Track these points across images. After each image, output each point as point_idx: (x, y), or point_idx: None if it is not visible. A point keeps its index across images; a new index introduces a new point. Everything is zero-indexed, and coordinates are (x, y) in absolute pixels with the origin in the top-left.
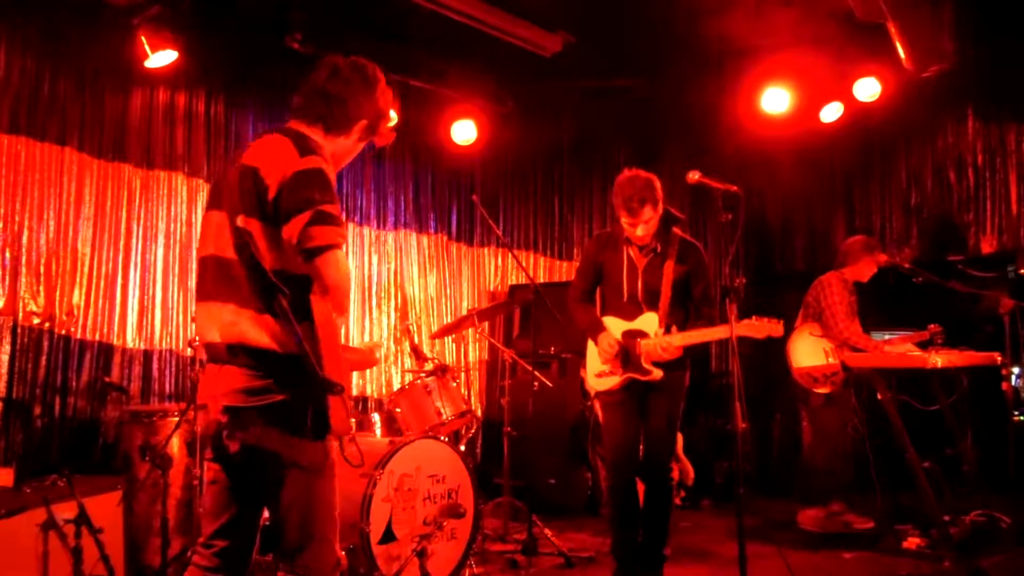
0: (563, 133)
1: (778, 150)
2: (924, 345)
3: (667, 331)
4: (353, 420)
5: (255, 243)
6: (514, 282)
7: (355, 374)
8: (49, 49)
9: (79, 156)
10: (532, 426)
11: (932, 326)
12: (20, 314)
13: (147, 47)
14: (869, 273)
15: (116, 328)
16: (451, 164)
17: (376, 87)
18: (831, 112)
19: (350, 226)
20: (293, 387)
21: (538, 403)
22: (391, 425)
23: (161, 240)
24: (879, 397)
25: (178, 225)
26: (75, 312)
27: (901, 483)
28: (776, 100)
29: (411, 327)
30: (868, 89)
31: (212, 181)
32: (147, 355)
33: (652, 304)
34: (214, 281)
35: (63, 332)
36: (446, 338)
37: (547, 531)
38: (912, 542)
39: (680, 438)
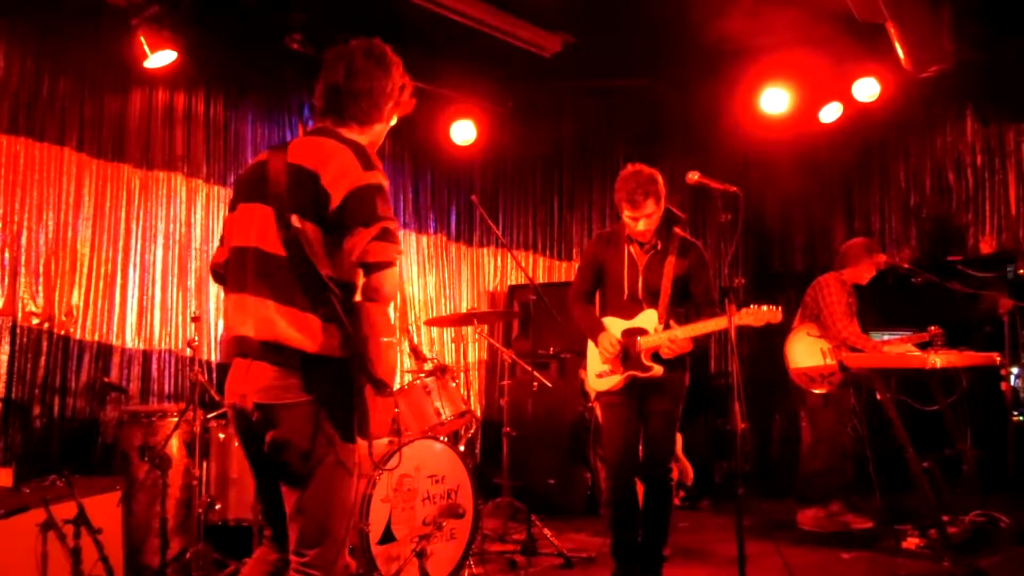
0: (563, 133)
1: (777, 150)
2: (924, 347)
3: (667, 328)
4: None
5: (311, 245)
6: (513, 282)
7: None
8: (48, 49)
9: (78, 156)
10: (531, 426)
11: (932, 328)
12: (19, 314)
13: (146, 47)
14: (868, 275)
15: (115, 328)
16: (450, 164)
17: (391, 65)
18: (830, 112)
19: None
20: (328, 388)
21: (537, 403)
22: (391, 425)
23: (160, 240)
24: (878, 397)
25: (177, 225)
26: (74, 312)
27: (900, 483)
28: (775, 100)
29: (410, 327)
30: (867, 89)
31: (244, 172)
32: (146, 355)
33: (652, 302)
34: (255, 275)
35: (62, 332)
36: (446, 338)
37: (546, 531)
38: (911, 542)
39: (679, 438)
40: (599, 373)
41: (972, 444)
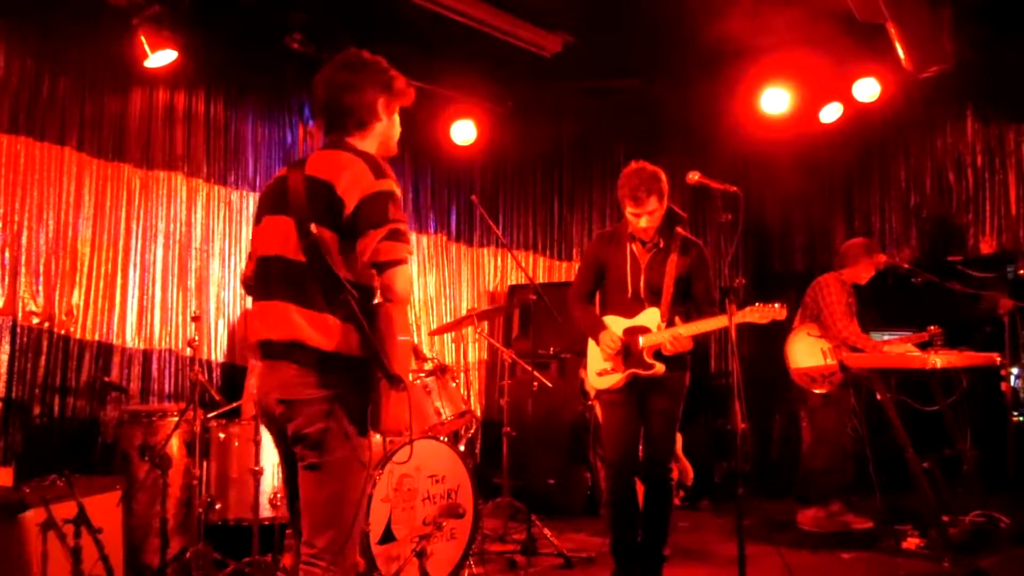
0: (563, 133)
1: (778, 150)
2: (924, 347)
3: (669, 326)
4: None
5: (329, 250)
6: (513, 282)
7: None
8: (49, 49)
9: (78, 156)
10: (531, 426)
11: (932, 328)
12: (19, 314)
13: (147, 47)
14: (867, 276)
15: (115, 328)
16: (451, 164)
17: (366, 68)
18: (831, 112)
19: None
20: (345, 384)
21: (538, 403)
22: (405, 419)
23: (160, 240)
24: (878, 397)
25: (177, 225)
26: (74, 312)
27: (900, 483)
28: (776, 100)
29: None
30: (868, 89)
31: (266, 188)
32: (146, 355)
33: (654, 300)
34: (277, 281)
35: (62, 332)
36: (446, 338)
37: (546, 531)
38: (911, 542)
39: (679, 438)
40: (600, 371)
41: (972, 444)
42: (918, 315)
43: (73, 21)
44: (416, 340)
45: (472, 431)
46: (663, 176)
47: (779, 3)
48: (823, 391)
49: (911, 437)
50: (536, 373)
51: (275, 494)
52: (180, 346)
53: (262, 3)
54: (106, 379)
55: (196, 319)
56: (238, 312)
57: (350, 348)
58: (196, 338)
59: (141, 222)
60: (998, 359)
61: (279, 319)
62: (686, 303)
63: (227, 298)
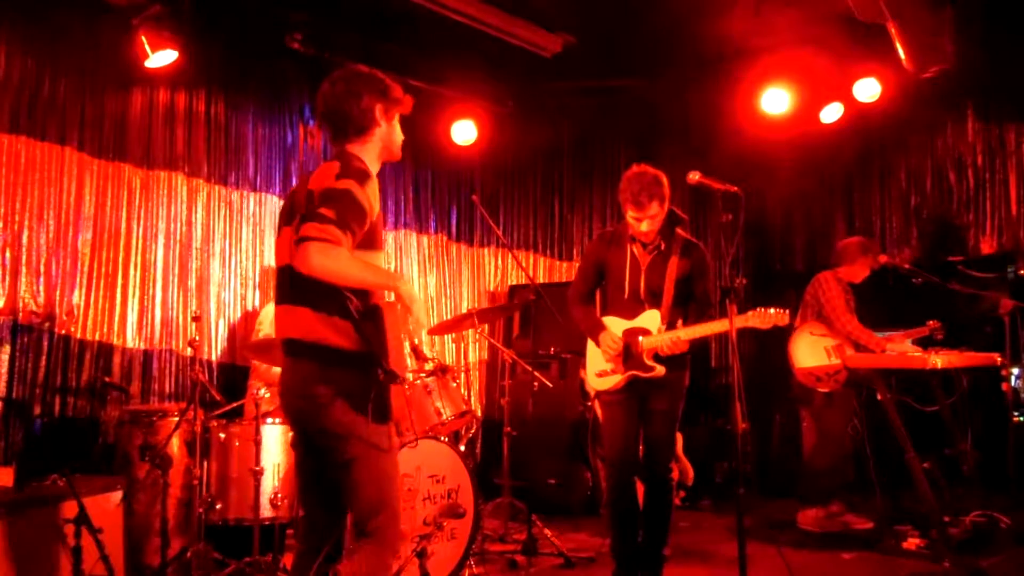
0: (563, 133)
1: (778, 151)
2: (924, 341)
3: (669, 328)
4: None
5: None
6: (514, 282)
7: None
8: (49, 49)
9: (79, 156)
10: (532, 426)
11: (931, 322)
12: (20, 314)
13: (147, 47)
14: (862, 275)
15: (116, 328)
16: (451, 164)
17: (358, 81)
18: (831, 113)
19: None
20: (359, 378)
21: (538, 403)
22: (404, 411)
23: (161, 240)
24: (879, 397)
25: (178, 225)
26: (75, 312)
27: (901, 483)
28: (776, 101)
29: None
30: (868, 90)
31: (285, 199)
32: (147, 355)
33: (654, 302)
34: (292, 287)
35: (63, 332)
36: (446, 338)
37: (547, 531)
38: (911, 542)
39: (680, 438)
40: (599, 372)
41: (972, 444)
42: (919, 315)
43: (74, 21)
44: (417, 340)
45: (472, 431)
46: (664, 180)
47: (779, 3)
48: (828, 390)
49: (911, 437)
50: (536, 373)
51: (275, 494)
52: (180, 346)
53: (262, 3)
54: (107, 379)
55: (196, 319)
56: (238, 312)
57: (358, 346)
58: (197, 338)
59: (142, 222)
60: (998, 359)
61: (296, 321)
62: (686, 305)
63: (227, 298)
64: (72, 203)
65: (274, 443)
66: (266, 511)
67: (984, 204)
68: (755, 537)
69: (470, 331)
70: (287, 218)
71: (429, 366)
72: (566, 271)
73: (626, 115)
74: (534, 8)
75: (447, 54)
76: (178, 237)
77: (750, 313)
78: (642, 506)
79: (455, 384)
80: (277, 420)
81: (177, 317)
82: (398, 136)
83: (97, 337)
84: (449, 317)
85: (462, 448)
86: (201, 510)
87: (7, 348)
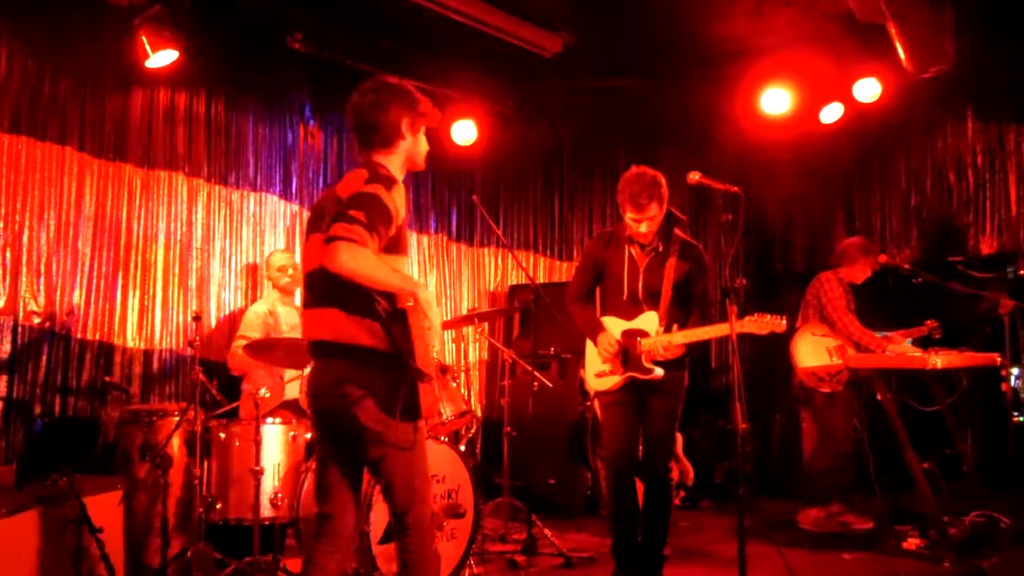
0: (563, 133)
1: (778, 151)
2: (923, 341)
3: (667, 330)
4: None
5: None
6: (514, 282)
7: None
8: (50, 49)
9: (79, 156)
10: (532, 426)
11: (929, 321)
12: (20, 313)
13: (148, 47)
14: (863, 276)
15: (116, 328)
16: (451, 164)
17: (389, 92)
18: (831, 113)
19: None
20: (389, 377)
21: (538, 403)
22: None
23: (161, 240)
24: (879, 398)
25: (178, 225)
26: (75, 312)
27: (901, 484)
28: (776, 101)
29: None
30: (868, 90)
31: (313, 206)
32: (147, 355)
33: (652, 303)
34: (323, 291)
35: (63, 332)
36: (447, 338)
37: (547, 531)
38: (911, 543)
39: (680, 438)
40: (598, 373)
41: (972, 444)
42: (919, 315)
43: (74, 21)
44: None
45: (472, 431)
46: (663, 181)
47: (780, 3)
48: (830, 391)
49: (911, 437)
50: (536, 373)
51: (275, 494)
52: (181, 346)
53: (263, 3)
54: (107, 379)
55: (197, 319)
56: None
57: (387, 346)
58: (197, 338)
59: (142, 222)
60: (998, 359)
61: (327, 324)
62: (685, 306)
63: (228, 298)
64: (72, 203)
65: (274, 443)
66: (266, 511)
67: (984, 204)
68: (755, 537)
69: (470, 331)
70: (315, 225)
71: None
72: (566, 271)
73: (626, 115)
74: (534, 8)
75: (447, 54)
76: (178, 237)
77: (747, 319)
78: (642, 506)
79: (455, 384)
80: (277, 420)
81: (177, 317)
82: (423, 148)
83: (97, 337)
84: (449, 317)
85: (462, 448)
86: (201, 510)
87: (7, 348)
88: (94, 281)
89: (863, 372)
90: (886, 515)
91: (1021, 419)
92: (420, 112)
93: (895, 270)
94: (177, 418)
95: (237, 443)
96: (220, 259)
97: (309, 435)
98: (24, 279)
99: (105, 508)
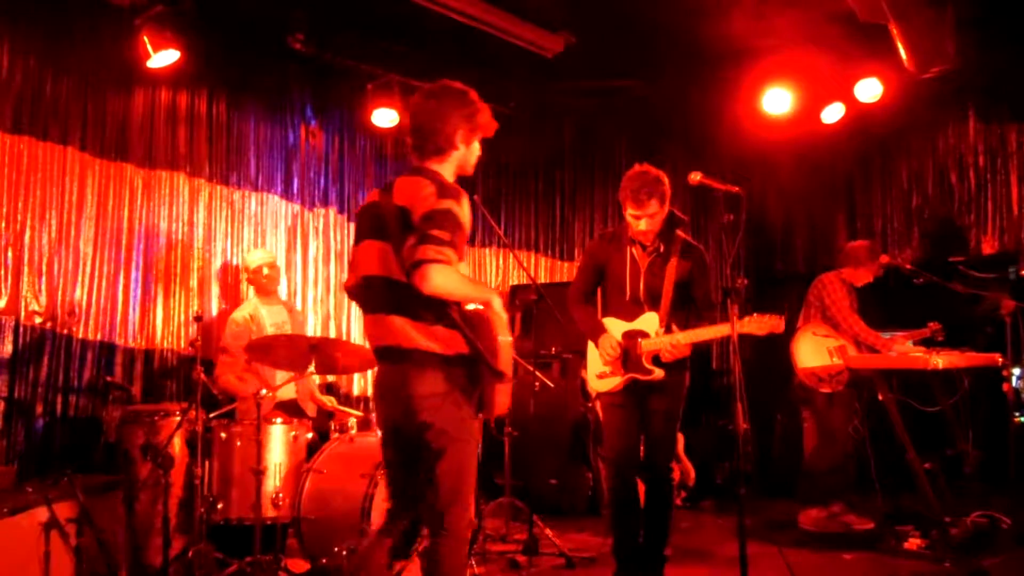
0: (564, 133)
1: (779, 151)
2: (925, 342)
3: (668, 331)
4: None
5: None
6: (515, 282)
7: (356, 375)
8: (51, 49)
9: (81, 156)
10: (533, 426)
11: (932, 324)
12: (22, 313)
13: (149, 47)
14: (866, 280)
15: (118, 327)
16: None
17: (451, 99)
18: (832, 113)
19: (351, 226)
20: (458, 380)
21: (539, 403)
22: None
23: (163, 240)
24: (880, 398)
25: (180, 225)
26: (77, 311)
27: (902, 484)
28: (777, 101)
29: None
30: (869, 90)
31: (362, 211)
32: (149, 354)
33: (653, 304)
34: (382, 296)
35: (65, 331)
36: None
37: (548, 531)
38: (913, 543)
39: (681, 439)
40: (599, 374)
41: (973, 445)
42: (920, 316)
43: (76, 21)
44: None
45: None
46: (666, 180)
47: (781, 3)
48: (830, 391)
49: (912, 437)
50: (538, 373)
51: (277, 494)
52: (182, 346)
53: (264, 3)
54: (108, 378)
55: (198, 319)
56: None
57: (458, 350)
58: (198, 338)
59: (143, 222)
60: (1000, 360)
61: (395, 330)
62: (686, 307)
63: (229, 298)
64: (74, 203)
65: (276, 443)
66: (268, 511)
67: (985, 204)
68: (756, 537)
69: None
70: (371, 231)
71: None
72: (567, 271)
73: (627, 115)
74: (535, 8)
75: (448, 54)
76: (180, 237)
77: (747, 319)
78: (643, 506)
79: None
80: (278, 420)
81: (179, 317)
82: (474, 157)
83: (99, 336)
84: None
85: None
86: (203, 510)
87: (9, 347)
88: (95, 281)
89: (864, 372)
90: (887, 515)
91: (1022, 419)
92: (477, 124)
93: (896, 270)
94: (178, 418)
95: (238, 443)
96: (222, 259)
97: (310, 435)
98: (26, 279)
99: (107, 508)
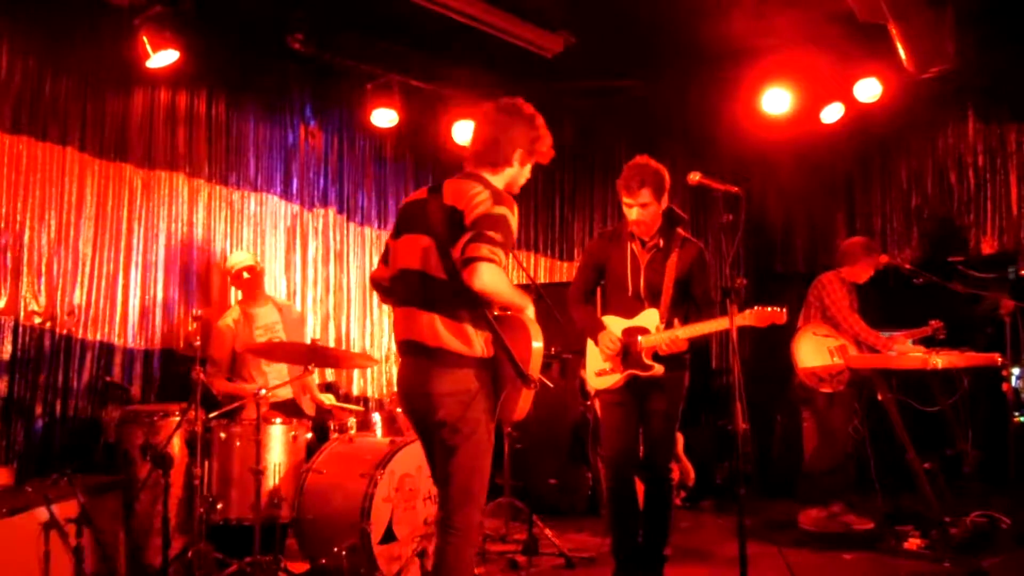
0: (564, 134)
1: (779, 151)
2: (926, 341)
3: (667, 327)
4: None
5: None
6: (515, 282)
7: (356, 374)
8: (51, 49)
9: (80, 156)
10: (532, 426)
11: (933, 321)
12: (21, 314)
13: (148, 47)
14: (866, 275)
15: (117, 328)
16: (452, 164)
17: (521, 119)
18: (832, 113)
19: (351, 226)
20: (482, 381)
21: (539, 403)
22: (392, 425)
23: (162, 240)
24: (880, 398)
25: (179, 225)
26: (76, 312)
27: (901, 484)
28: (777, 101)
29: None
30: (869, 90)
31: (406, 207)
32: (148, 355)
33: (653, 301)
34: (418, 291)
35: (64, 332)
36: None
37: (547, 531)
38: (912, 543)
39: (680, 438)
40: (599, 371)
41: (973, 445)
42: (920, 316)
43: (75, 21)
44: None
45: None
46: (664, 174)
47: (780, 3)
48: (830, 391)
49: (912, 437)
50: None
51: (276, 493)
52: (182, 346)
53: (263, 3)
54: (108, 379)
55: (198, 319)
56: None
57: (485, 351)
58: (198, 338)
59: (143, 222)
60: (999, 359)
61: (425, 326)
62: (686, 304)
63: (229, 298)
64: (73, 203)
65: (275, 443)
66: (267, 511)
67: (985, 204)
68: (756, 537)
69: None
70: (417, 227)
71: None
72: (567, 271)
73: (627, 115)
74: (535, 8)
75: (448, 54)
76: (179, 237)
77: (746, 312)
78: (642, 506)
79: None
80: (277, 420)
81: (178, 317)
82: (523, 179)
83: (98, 337)
84: None
85: None
86: (202, 510)
87: (8, 348)
88: (95, 281)
89: (864, 372)
90: (887, 515)
91: (1022, 419)
92: (536, 150)
93: (896, 270)
94: (178, 418)
95: (238, 443)
96: (221, 259)
97: (309, 435)
98: (25, 279)
99: (106, 508)
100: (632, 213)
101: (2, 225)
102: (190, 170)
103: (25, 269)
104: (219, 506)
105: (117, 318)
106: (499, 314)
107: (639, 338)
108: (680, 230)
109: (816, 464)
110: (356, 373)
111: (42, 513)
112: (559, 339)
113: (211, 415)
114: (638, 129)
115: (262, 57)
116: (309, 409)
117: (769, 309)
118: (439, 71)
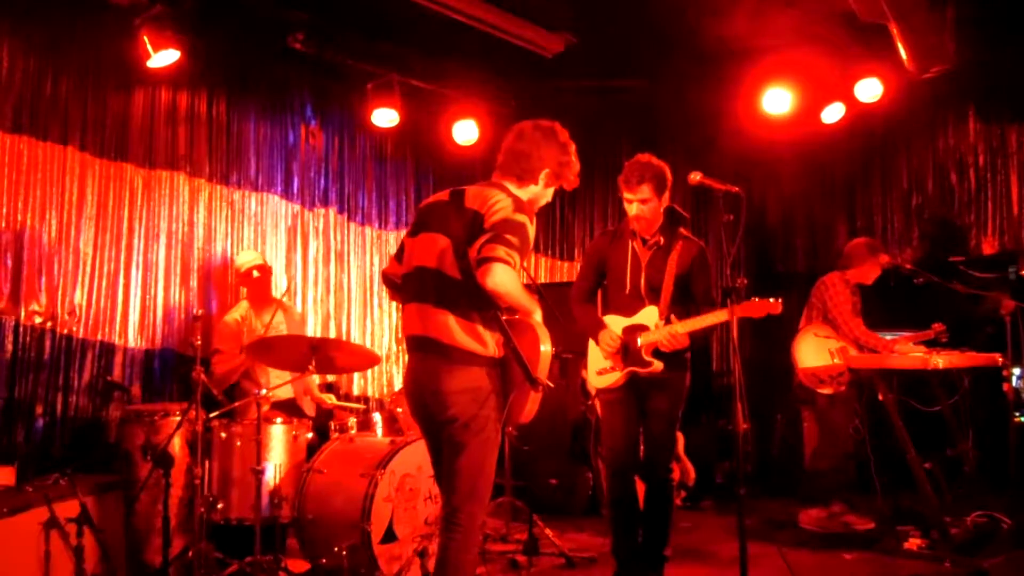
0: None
1: (779, 151)
2: (929, 344)
3: (667, 324)
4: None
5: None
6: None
7: (356, 373)
8: (51, 49)
9: (81, 156)
10: (533, 426)
11: (936, 324)
12: (22, 313)
13: (149, 47)
14: (873, 276)
15: (118, 327)
16: (452, 164)
17: (555, 141)
18: (832, 113)
19: (351, 226)
20: (491, 381)
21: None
22: (392, 425)
23: (163, 240)
24: (880, 398)
25: (180, 225)
26: (77, 311)
27: (902, 484)
28: (777, 101)
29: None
30: (870, 90)
31: (426, 207)
32: (149, 354)
33: (654, 298)
34: (432, 289)
35: (65, 331)
36: None
37: (548, 531)
38: (913, 543)
39: (681, 438)
40: (599, 370)
41: (974, 445)
42: (920, 316)
43: (76, 21)
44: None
45: None
46: (666, 171)
47: (781, 3)
48: (830, 392)
49: (913, 437)
50: None
51: (277, 493)
52: (182, 346)
53: (264, 3)
54: (108, 378)
55: (198, 319)
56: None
57: (495, 352)
58: (199, 337)
59: (143, 222)
60: (1000, 360)
61: (439, 324)
62: (686, 302)
63: (229, 298)
64: (74, 203)
65: (276, 443)
66: (268, 511)
67: (986, 204)
68: (756, 537)
69: None
70: (431, 225)
71: None
72: (567, 271)
73: (628, 115)
74: (535, 8)
75: (448, 54)
76: (180, 237)
77: (743, 303)
78: (643, 506)
79: None
80: (278, 420)
81: (179, 316)
82: (544, 200)
83: (99, 337)
84: None
85: None
86: (203, 509)
87: (9, 347)
88: (96, 281)
89: (864, 372)
90: (887, 515)
91: (1022, 419)
92: (563, 174)
93: (897, 270)
94: (178, 418)
95: (238, 443)
96: (222, 259)
97: (310, 435)
98: (25, 279)
99: (107, 507)
100: (632, 209)
101: (3, 225)
102: (191, 170)
103: (26, 268)
104: (220, 506)
105: (118, 318)
106: (508, 318)
107: (639, 335)
108: (681, 229)
109: (817, 464)
110: (356, 373)
111: (42, 513)
112: (560, 339)
113: (212, 415)
114: (638, 129)
115: (263, 57)
116: (310, 409)
117: (765, 300)
118: (439, 71)
